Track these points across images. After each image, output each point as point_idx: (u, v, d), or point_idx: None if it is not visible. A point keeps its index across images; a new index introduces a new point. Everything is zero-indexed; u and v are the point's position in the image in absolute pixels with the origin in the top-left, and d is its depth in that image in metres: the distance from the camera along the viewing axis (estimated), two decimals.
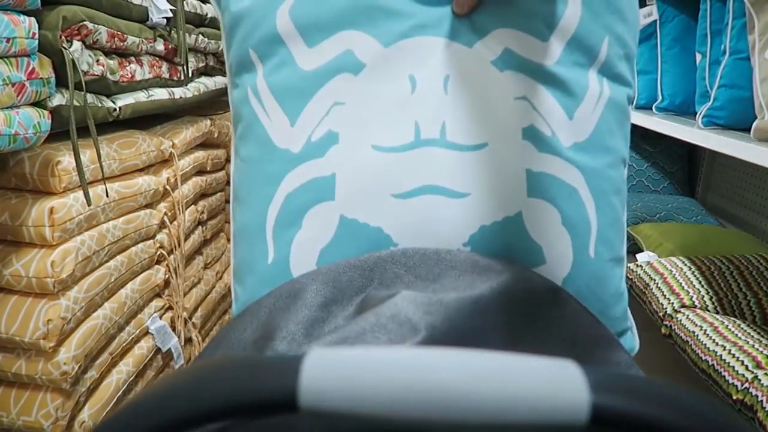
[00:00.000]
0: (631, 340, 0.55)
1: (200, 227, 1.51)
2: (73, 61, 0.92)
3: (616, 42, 0.53)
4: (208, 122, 1.53)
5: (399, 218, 0.47)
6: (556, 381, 0.23)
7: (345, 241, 0.47)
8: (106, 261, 1.07)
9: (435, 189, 0.47)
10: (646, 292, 1.35)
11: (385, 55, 0.50)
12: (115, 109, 1.09)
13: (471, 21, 0.51)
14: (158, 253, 1.24)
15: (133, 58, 1.16)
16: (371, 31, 0.50)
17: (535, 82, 0.49)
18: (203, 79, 1.53)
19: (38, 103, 0.89)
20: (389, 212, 0.47)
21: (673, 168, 2.09)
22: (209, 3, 1.57)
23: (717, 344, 1.07)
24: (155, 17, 1.18)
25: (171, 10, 1.24)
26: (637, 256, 1.59)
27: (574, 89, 0.50)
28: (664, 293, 1.30)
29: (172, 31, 1.28)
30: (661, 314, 1.26)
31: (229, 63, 0.56)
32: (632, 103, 0.64)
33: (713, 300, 1.25)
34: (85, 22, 0.95)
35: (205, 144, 1.55)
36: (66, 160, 0.95)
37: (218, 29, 1.63)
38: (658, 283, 1.34)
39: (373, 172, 0.47)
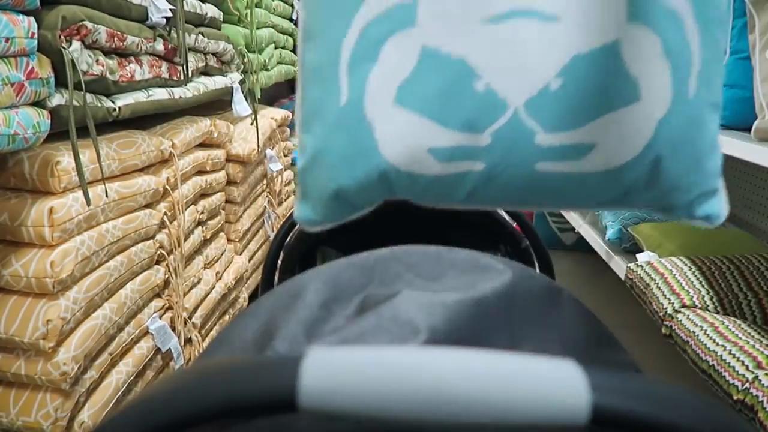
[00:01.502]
0: (720, 205, 0.47)
1: (200, 227, 1.51)
2: (72, 60, 0.92)
3: None
4: (208, 122, 1.53)
5: (485, 47, 0.42)
6: (557, 381, 0.23)
7: (426, 76, 0.42)
8: (106, 261, 1.06)
9: (527, 12, 0.42)
10: (647, 293, 1.35)
11: None
12: (114, 109, 1.09)
13: None
14: (158, 253, 1.24)
15: (132, 58, 1.15)
16: None
17: None
18: (203, 79, 1.53)
19: (37, 103, 0.89)
20: (475, 40, 0.42)
21: None
22: (209, 3, 1.57)
23: (717, 344, 1.07)
24: (155, 17, 1.18)
25: (171, 9, 1.24)
26: (637, 256, 1.59)
27: None
28: (665, 293, 1.30)
29: (172, 31, 1.28)
30: (661, 314, 1.26)
31: None
32: None
33: (713, 300, 1.25)
34: (84, 22, 0.95)
35: (205, 144, 1.55)
36: (65, 160, 0.95)
37: (218, 29, 1.63)
38: (658, 283, 1.34)
39: None
